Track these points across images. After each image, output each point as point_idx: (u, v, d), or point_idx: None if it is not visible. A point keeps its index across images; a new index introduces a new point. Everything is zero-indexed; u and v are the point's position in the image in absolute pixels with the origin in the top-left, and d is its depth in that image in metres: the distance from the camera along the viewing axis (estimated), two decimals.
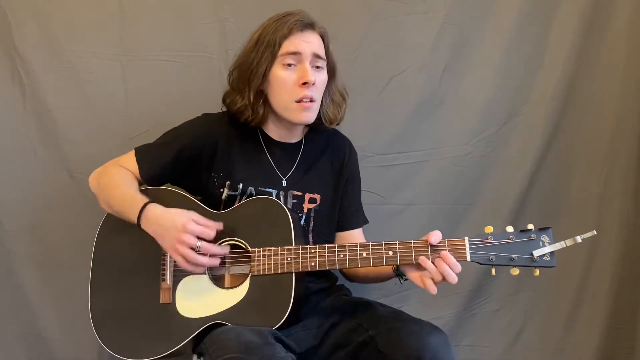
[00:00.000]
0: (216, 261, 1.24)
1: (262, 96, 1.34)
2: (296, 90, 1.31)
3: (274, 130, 1.41)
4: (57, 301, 1.66)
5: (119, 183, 1.33)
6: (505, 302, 1.80)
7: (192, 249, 1.21)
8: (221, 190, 1.36)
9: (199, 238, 1.21)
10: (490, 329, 1.80)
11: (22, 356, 1.67)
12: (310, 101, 1.32)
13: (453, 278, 1.15)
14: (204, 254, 1.22)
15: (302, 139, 1.45)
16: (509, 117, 1.75)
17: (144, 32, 1.64)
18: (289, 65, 1.31)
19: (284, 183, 1.39)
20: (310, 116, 1.34)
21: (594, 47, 1.73)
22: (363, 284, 1.58)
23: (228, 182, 1.36)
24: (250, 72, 1.33)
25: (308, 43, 1.32)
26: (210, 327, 1.22)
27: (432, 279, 1.16)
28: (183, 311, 1.26)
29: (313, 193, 1.40)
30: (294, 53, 1.30)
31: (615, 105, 1.76)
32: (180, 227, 1.20)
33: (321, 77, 1.35)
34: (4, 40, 1.60)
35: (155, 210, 1.25)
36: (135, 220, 1.25)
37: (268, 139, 1.41)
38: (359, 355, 1.23)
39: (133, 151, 1.39)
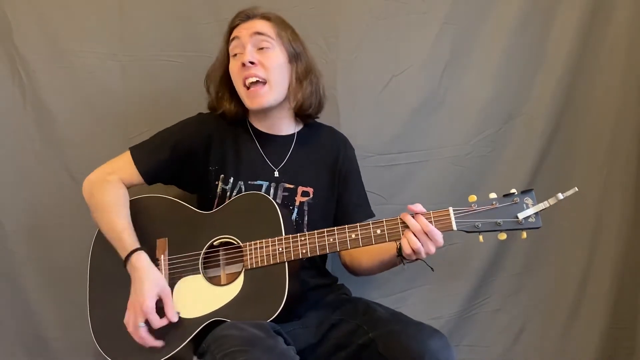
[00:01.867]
0: (144, 344, 1.24)
1: (222, 91, 1.41)
2: (241, 75, 1.35)
3: (257, 122, 1.44)
4: (57, 301, 1.65)
5: (108, 207, 1.33)
6: (505, 302, 1.80)
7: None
8: (216, 183, 1.38)
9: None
10: (490, 329, 1.80)
11: (22, 356, 1.67)
12: (261, 83, 1.34)
13: (430, 249, 1.18)
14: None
15: (294, 133, 1.46)
16: (509, 117, 1.75)
17: (144, 32, 1.64)
18: (235, 55, 1.37)
19: (276, 174, 1.40)
20: (262, 101, 1.35)
21: (594, 47, 1.74)
22: (363, 282, 1.58)
23: (222, 176, 1.38)
24: (210, 75, 1.43)
25: (247, 29, 1.36)
26: (209, 326, 1.22)
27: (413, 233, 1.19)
28: (181, 312, 1.26)
29: (305, 186, 1.41)
30: (234, 39, 1.36)
31: (615, 105, 1.76)
32: (141, 298, 1.22)
33: (269, 57, 1.35)
34: (4, 40, 1.60)
35: (139, 265, 1.25)
36: (122, 260, 1.28)
37: (258, 132, 1.43)
38: (359, 357, 1.24)
39: (128, 152, 1.40)
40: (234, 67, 1.37)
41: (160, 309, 1.24)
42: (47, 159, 1.64)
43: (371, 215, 1.51)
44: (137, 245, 1.27)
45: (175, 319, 1.24)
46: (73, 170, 1.63)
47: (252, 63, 1.32)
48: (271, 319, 1.19)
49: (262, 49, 1.35)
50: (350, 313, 1.32)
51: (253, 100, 1.35)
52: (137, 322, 1.22)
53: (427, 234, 1.18)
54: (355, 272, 1.48)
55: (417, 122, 1.73)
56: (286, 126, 1.45)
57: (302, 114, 1.43)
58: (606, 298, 1.79)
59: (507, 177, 1.76)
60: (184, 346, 1.25)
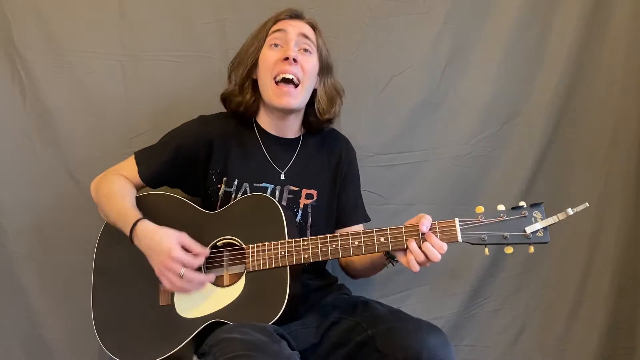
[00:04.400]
0: (201, 286, 1.24)
1: (249, 79, 1.39)
2: (276, 67, 1.33)
3: (267, 122, 1.43)
4: (57, 301, 1.65)
5: (114, 194, 1.33)
6: (505, 302, 1.80)
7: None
8: (219, 186, 1.37)
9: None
10: (490, 329, 1.80)
11: (22, 356, 1.67)
12: (294, 84, 1.34)
13: (436, 256, 1.15)
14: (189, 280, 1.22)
15: (300, 136, 1.46)
16: (509, 117, 1.75)
17: (144, 32, 1.64)
18: (275, 45, 1.35)
19: (282, 177, 1.40)
20: (291, 101, 1.35)
21: (594, 47, 1.74)
22: (363, 283, 1.58)
23: (225, 178, 1.37)
24: (242, 60, 1.39)
25: (294, 26, 1.36)
26: (210, 327, 1.23)
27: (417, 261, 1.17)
28: (182, 312, 1.27)
29: (310, 189, 1.41)
30: (279, 30, 1.35)
31: (615, 105, 1.76)
32: (166, 251, 1.21)
33: (309, 61, 1.37)
34: (4, 40, 1.59)
35: (146, 228, 1.25)
36: (128, 236, 1.27)
37: (264, 134, 1.43)
38: (358, 354, 1.23)
39: (132, 156, 1.41)
40: (270, 56, 1.35)
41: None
42: (47, 159, 1.63)
43: (367, 219, 1.51)
44: (141, 216, 1.27)
45: (207, 252, 1.25)
46: (73, 170, 1.63)
47: (295, 61, 1.33)
48: (272, 321, 1.19)
49: (305, 51, 1.36)
50: (349, 311, 1.32)
51: (281, 97, 1.34)
52: (178, 276, 1.20)
53: (428, 260, 1.17)
54: (351, 274, 1.49)
55: (417, 122, 1.73)
56: (294, 130, 1.45)
57: (317, 127, 1.45)
58: (606, 298, 1.79)
59: (507, 177, 1.76)
60: (184, 345, 1.25)
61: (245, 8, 1.64)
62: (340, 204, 1.47)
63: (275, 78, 1.34)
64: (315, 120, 1.44)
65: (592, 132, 1.77)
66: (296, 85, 1.34)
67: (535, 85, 1.74)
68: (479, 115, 1.75)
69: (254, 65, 1.38)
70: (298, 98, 1.36)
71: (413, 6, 1.69)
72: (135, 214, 1.28)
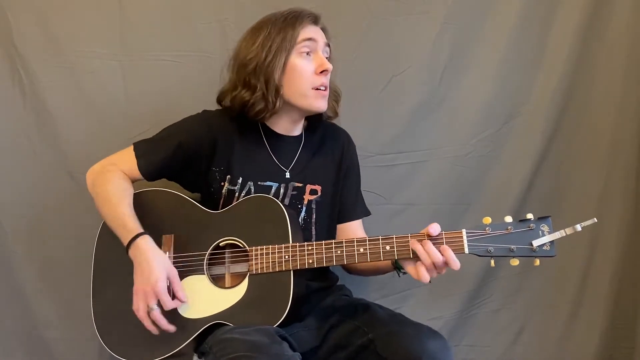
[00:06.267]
0: (155, 331, 1.22)
1: (281, 90, 1.34)
2: (314, 78, 1.33)
3: (278, 124, 1.41)
4: (57, 301, 1.66)
5: (110, 197, 1.31)
6: (505, 302, 1.80)
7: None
8: (222, 184, 1.36)
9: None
10: (490, 329, 1.80)
11: (22, 356, 1.67)
12: (325, 89, 1.35)
13: (438, 257, 1.14)
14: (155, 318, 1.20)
15: (302, 133, 1.46)
16: (509, 117, 1.75)
17: (144, 32, 1.64)
18: (306, 53, 1.34)
19: (287, 175, 1.39)
20: (325, 104, 1.37)
21: (594, 48, 1.73)
22: (363, 283, 1.58)
23: (228, 176, 1.36)
24: (267, 66, 1.31)
25: (320, 35, 1.37)
26: (211, 327, 1.23)
27: (425, 267, 1.16)
28: (183, 312, 1.26)
29: (314, 184, 1.41)
30: (310, 39, 1.34)
31: (615, 105, 1.76)
32: (153, 280, 1.19)
33: (331, 67, 1.38)
34: (4, 40, 1.59)
35: (146, 247, 1.23)
36: (125, 245, 1.25)
37: (270, 133, 1.41)
38: (358, 357, 1.24)
39: (131, 147, 1.39)
40: (305, 66, 1.33)
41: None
42: (47, 159, 1.63)
43: (367, 213, 1.51)
44: (142, 230, 1.25)
45: (185, 300, 1.23)
46: (73, 170, 1.63)
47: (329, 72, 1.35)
48: (275, 325, 1.19)
49: (328, 58, 1.37)
50: (350, 314, 1.32)
51: (320, 101, 1.35)
52: (148, 306, 1.19)
53: (435, 265, 1.16)
54: (349, 270, 1.49)
55: (417, 122, 1.73)
56: (299, 127, 1.45)
57: (318, 120, 1.45)
58: (606, 298, 1.79)
59: (507, 177, 1.76)
60: (185, 345, 1.25)
61: (245, 8, 1.63)
62: (342, 199, 1.47)
63: (313, 87, 1.34)
64: (318, 117, 1.44)
65: (592, 132, 1.77)
66: (326, 89, 1.37)
67: (536, 85, 1.74)
68: (479, 115, 1.74)
69: (283, 73, 1.33)
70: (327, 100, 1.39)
71: (413, 6, 1.69)
72: (136, 226, 1.26)
